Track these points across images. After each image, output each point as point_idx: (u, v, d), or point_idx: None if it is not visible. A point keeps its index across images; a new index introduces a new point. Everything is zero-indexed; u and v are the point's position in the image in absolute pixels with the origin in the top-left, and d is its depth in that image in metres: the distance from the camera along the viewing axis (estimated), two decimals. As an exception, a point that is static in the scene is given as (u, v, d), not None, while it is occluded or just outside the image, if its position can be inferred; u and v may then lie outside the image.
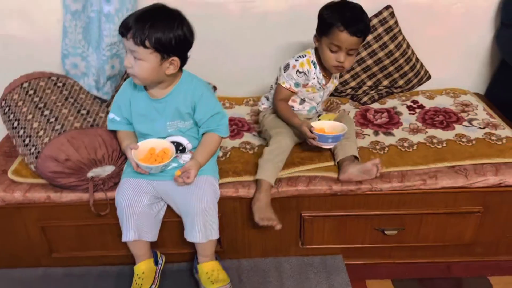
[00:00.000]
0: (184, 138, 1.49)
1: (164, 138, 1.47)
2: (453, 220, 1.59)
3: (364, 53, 1.98)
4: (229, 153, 1.68)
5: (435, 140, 1.71)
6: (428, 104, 1.97)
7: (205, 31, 1.96)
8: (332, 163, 1.58)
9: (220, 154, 1.67)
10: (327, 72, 1.65)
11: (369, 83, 2.05)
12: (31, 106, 1.63)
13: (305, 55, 1.61)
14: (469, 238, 1.63)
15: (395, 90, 2.08)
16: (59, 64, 1.97)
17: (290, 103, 1.68)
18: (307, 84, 1.63)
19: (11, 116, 1.65)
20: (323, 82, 1.64)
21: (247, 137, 1.77)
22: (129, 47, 1.30)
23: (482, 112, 1.88)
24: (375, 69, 2.01)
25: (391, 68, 2.01)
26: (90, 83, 1.97)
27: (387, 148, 1.69)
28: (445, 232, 1.62)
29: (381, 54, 1.97)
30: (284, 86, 1.62)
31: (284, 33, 2.00)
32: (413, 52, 2.04)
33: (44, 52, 1.98)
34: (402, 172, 1.55)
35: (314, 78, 1.62)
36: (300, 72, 1.59)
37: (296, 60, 1.60)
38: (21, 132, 1.57)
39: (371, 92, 2.04)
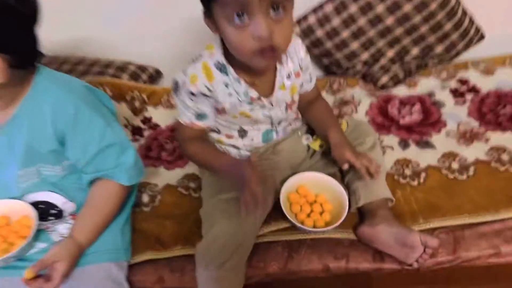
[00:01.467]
0: (57, 195, 0.84)
1: (20, 197, 0.82)
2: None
3: (380, 8, 1.25)
4: (158, 197, 1.01)
5: (505, 157, 1.01)
6: (485, 84, 1.25)
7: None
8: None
9: (145, 199, 1.01)
10: (255, 76, 0.86)
11: (390, 53, 1.33)
12: None
13: (200, 57, 0.85)
14: None
15: (430, 62, 1.35)
16: None
17: (226, 140, 0.96)
18: (222, 109, 0.88)
19: None
20: (252, 94, 0.86)
21: (193, 165, 1.09)
22: None
23: None
24: (398, 31, 1.29)
25: (424, 29, 1.29)
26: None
27: (423, 174, 1.01)
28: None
29: (407, 8, 1.25)
30: (182, 122, 0.89)
31: None
32: (458, 2, 1.30)
33: None
34: (453, 231, 0.87)
35: (230, 95, 0.86)
36: (193, 95, 0.84)
37: (186, 72, 0.84)
38: None
39: (393, 68, 1.31)
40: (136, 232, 0.93)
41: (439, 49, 1.34)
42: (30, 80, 0.77)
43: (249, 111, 0.88)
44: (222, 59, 0.83)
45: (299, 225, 0.86)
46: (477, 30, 1.37)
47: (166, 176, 1.07)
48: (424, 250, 0.81)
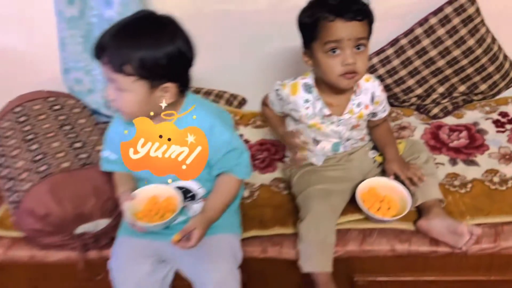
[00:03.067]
0: (194, 182, 1.14)
1: (168, 183, 1.12)
2: None
3: (433, 52, 1.53)
4: (256, 193, 1.31)
5: (538, 174, 1.25)
6: (523, 117, 1.49)
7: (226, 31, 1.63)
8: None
9: (246, 194, 1.31)
10: (336, 98, 1.18)
11: (441, 89, 1.59)
12: (19, 138, 1.35)
13: (295, 78, 1.21)
14: None
15: (474, 98, 1.61)
16: (61, 80, 1.68)
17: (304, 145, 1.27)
18: (299, 117, 1.21)
19: (-1, 150, 1.38)
20: (326, 111, 1.18)
21: (281, 170, 1.39)
22: (107, 75, 0.96)
23: None
24: (448, 71, 1.56)
25: (470, 70, 1.55)
26: (97, 100, 1.67)
27: (469, 185, 1.25)
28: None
29: (456, 52, 1.52)
30: (269, 96, 1.29)
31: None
32: (500, 48, 1.56)
33: (45, 66, 1.69)
34: (495, 226, 1.12)
35: (307, 108, 1.18)
36: (277, 94, 1.23)
37: (284, 81, 1.22)
38: (5, 172, 1.29)
39: (443, 102, 1.58)
40: (242, 217, 1.22)
41: (483, 87, 1.60)
42: (181, 101, 1.09)
43: (320, 124, 1.20)
44: (311, 82, 1.18)
45: (371, 214, 1.12)
46: (516, 72, 1.63)
47: (260, 178, 1.36)
48: (470, 237, 1.06)
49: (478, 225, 1.12)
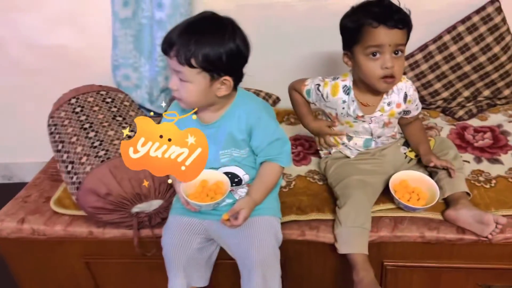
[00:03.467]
0: (240, 169, 1.25)
1: (217, 169, 1.24)
2: None
3: (460, 58, 1.63)
4: (293, 182, 1.42)
5: (558, 172, 1.33)
6: (544, 120, 1.58)
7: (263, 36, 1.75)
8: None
9: (283, 183, 1.42)
10: (371, 98, 1.29)
11: (466, 93, 1.69)
12: (76, 126, 1.48)
13: (338, 77, 1.32)
14: None
15: (498, 102, 1.70)
16: (111, 75, 1.81)
17: (339, 140, 1.39)
18: (335, 116, 1.34)
19: (57, 137, 1.50)
20: (359, 113, 1.29)
21: (315, 163, 1.50)
22: (173, 67, 1.08)
23: None
24: (473, 76, 1.65)
25: (494, 75, 1.64)
26: (143, 96, 1.80)
27: (494, 181, 1.34)
28: None
29: (482, 58, 1.61)
30: (306, 82, 1.37)
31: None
32: (523, 55, 1.65)
33: (95, 62, 1.83)
34: (517, 217, 1.21)
35: (343, 108, 1.30)
36: (318, 89, 1.33)
37: (325, 78, 1.34)
38: (65, 156, 1.42)
39: (468, 105, 1.68)
40: (281, 204, 1.33)
41: (506, 92, 1.69)
42: (233, 95, 1.20)
43: (353, 122, 1.31)
44: (350, 84, 1.29)
45: (402, 203, 1.22)
46: (539, 79, 1.71)
47: (296, 170, 1.47)
48: (496, 227, 1.15)
49: (503, 216, 1.21)
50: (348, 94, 1.29)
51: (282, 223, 1.27)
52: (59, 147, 1.46)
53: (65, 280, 1.48)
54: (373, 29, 1.15)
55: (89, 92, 1.63)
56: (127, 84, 1.80)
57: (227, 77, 1.09)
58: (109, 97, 1.63)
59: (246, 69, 1.75)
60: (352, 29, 1.19)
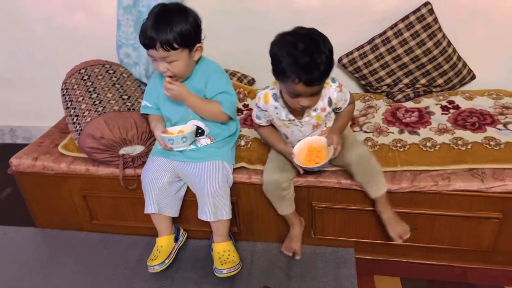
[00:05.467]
0: (201, 122, 1.60)
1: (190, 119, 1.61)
2: (469, 224, 1.55)
3: (400, 50, 1.96)
4: (250, 143, 1.78)
5: (460, 142, 1.66)
6: (465, 105, 1.89)
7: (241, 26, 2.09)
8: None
9: (242, 143, 1.78)
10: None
11: (406, 80, 2.02)
12: (83, 90, 1.86)
13: (267, 87, 1.48)
14: (487, 244, 1.57)
15: (434, 89, 2.03)
16: (115, 53, 2.19)
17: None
18: (272, 119, 1.51)
19: (67, 98, 1.89)
20: (290, 117, 1.46)
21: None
22: (159, 55, 1.42)
23: (522, 116, 1.78)
24: (411, 66, 1.98)
25: (429, 67, 1.97)
26: (140, 72, 2.17)
27: (408, 146, 1.67)
28: (460, 236, 1.58)
29: (418, 51, 1.94)
30: (251, 113, 1.60)
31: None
32: (454, 51, 1.97)
33: (103, 42, 2.22)
34: (415, 173, 1.54)
35: (277, 113, 1.47)
36: (257, 107, 1.51)
37: (260, 91, 1.50)
38: (72, 111, 1.81)
39: (407, 90, 2.01)
40: (237, 156, 1.69)
41: (440, 81, 2.01)
42: (200, 58, 1.55)
43: (288, 124, 1.50)
44: (278, 93, 1.45)
45: (298, 164, 1.46)
46: (469, 71, 2.03)
47: (254, 133, 1.83)
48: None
49: (405, 171, 1.55)
50: (278, 101, 1.45)
51: (235, 169, 1.63)
52: (69, 105, 1.85)
53: (66, 210, 1.87)
54: (294, 84, 1.28)
55: (96, 65, 2.02)
56: (128, 61, 2.17)
57: (199, 44, 1.46)
58: (112, 69, 2.01)
59: (225, 53, 2.14)
60: (278, 69, 1.29)
